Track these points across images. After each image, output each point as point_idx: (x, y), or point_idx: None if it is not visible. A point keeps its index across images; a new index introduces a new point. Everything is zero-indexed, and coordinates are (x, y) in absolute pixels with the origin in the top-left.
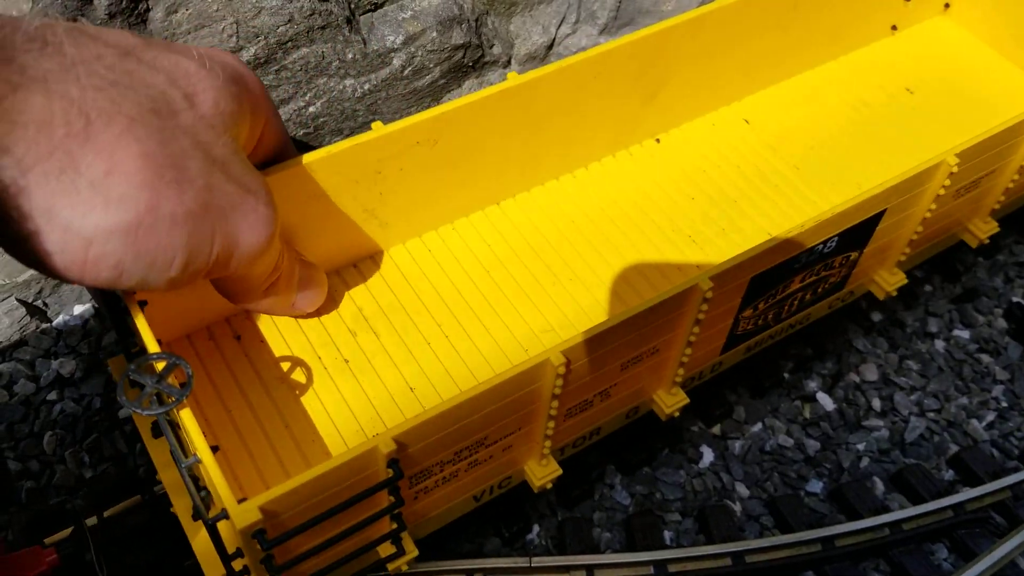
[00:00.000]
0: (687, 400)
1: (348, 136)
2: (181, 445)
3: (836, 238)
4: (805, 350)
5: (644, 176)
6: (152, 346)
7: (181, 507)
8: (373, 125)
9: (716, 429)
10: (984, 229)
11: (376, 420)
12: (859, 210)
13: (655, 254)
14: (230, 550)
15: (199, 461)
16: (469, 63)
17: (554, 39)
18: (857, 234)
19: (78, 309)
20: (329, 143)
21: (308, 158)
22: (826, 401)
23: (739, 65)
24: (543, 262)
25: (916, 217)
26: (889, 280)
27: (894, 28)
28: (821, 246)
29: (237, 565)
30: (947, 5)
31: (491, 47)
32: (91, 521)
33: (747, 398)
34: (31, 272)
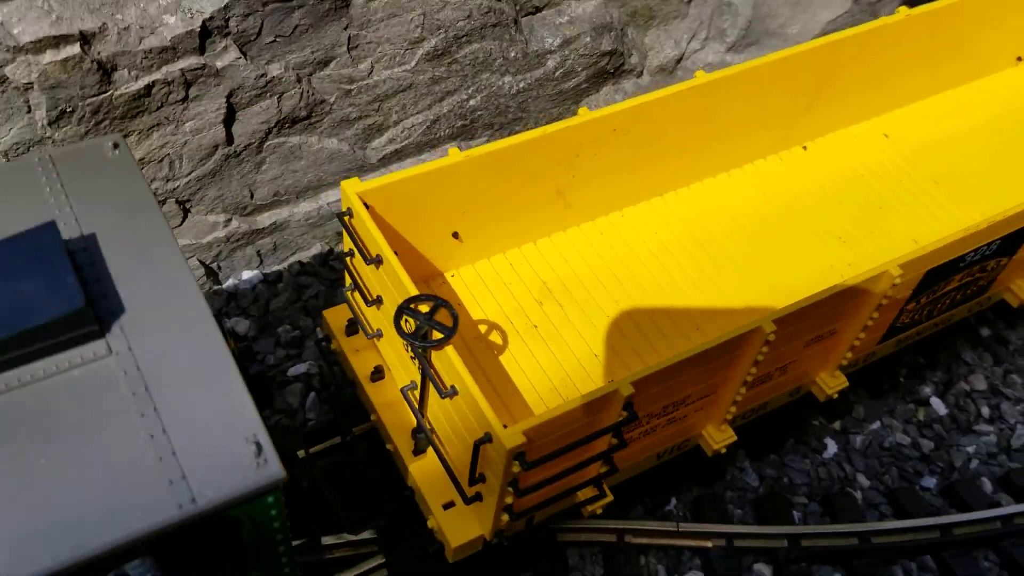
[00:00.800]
0: (847, 384)
1: (499, 131)
2: (437, 380)
3: (997, 242)
4: (918, 359)
5: (794, 180)
6: (412, 289)
7: (401, 442)
8: (580, 110)
9: (837, 425)
10: None
11: (567, 381)
12: (1016, 220)
13: (809, 251)
14: (475, 472)
15: (456, 393)
16: (611, 69)
17: (684, 53)
18: (1012, 242)
19: (247, 275)
20: (481, 138)
21: (522, 137)
22: (939, 406)
23: (881, 82)
24: (706, 252)
25: None
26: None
27: (1020, 59)
28: (985, 248)
29: (470, 492)
30: None
31: (630, 56)
32: (300, 453)
33: (866, 399)
34: (214, 235)
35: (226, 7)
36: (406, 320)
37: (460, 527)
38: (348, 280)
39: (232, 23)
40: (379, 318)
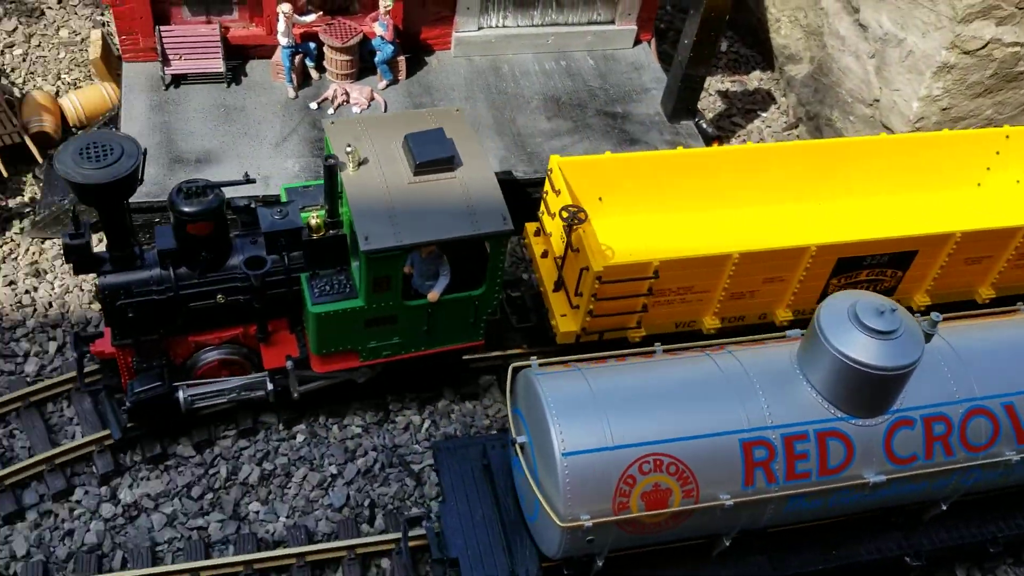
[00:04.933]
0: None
1: None
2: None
3: (886, 256)
4: None
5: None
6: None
7: (548, 284)
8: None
9: None
10: None
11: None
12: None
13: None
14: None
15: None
16: None
17: None
18: (900, 259)
19: None
20: None
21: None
22: None
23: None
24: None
25: None
26: None
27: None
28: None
29: (575, 301)
30: None
31: None
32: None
33: None
34: None
35: None
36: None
37: (566, 325)
38: (541, 207)
39: None
40: (550, 224)
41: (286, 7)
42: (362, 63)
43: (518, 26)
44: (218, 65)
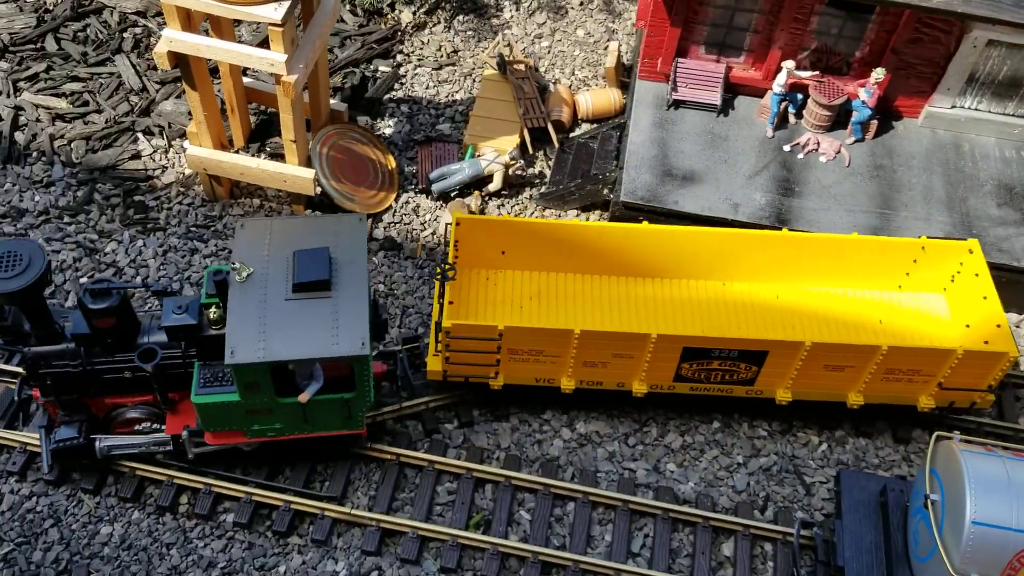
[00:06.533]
0: (643, 390)
1: None
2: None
3: (735, 352)
4: None
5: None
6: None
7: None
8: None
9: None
10: None
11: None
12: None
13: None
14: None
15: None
16: None
17: None
18: (752, 356)
19: None
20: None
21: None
22: None
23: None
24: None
25: None
26: None
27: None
28: (728, 351)
29: (439, 346)
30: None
31: None
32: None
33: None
34: None
35: None
36: (439, 269)
37: (433, 364)
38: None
39: None
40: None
41: (790, 63)
42: (836, 116)
43: (990, 112)
44: (716, 98)
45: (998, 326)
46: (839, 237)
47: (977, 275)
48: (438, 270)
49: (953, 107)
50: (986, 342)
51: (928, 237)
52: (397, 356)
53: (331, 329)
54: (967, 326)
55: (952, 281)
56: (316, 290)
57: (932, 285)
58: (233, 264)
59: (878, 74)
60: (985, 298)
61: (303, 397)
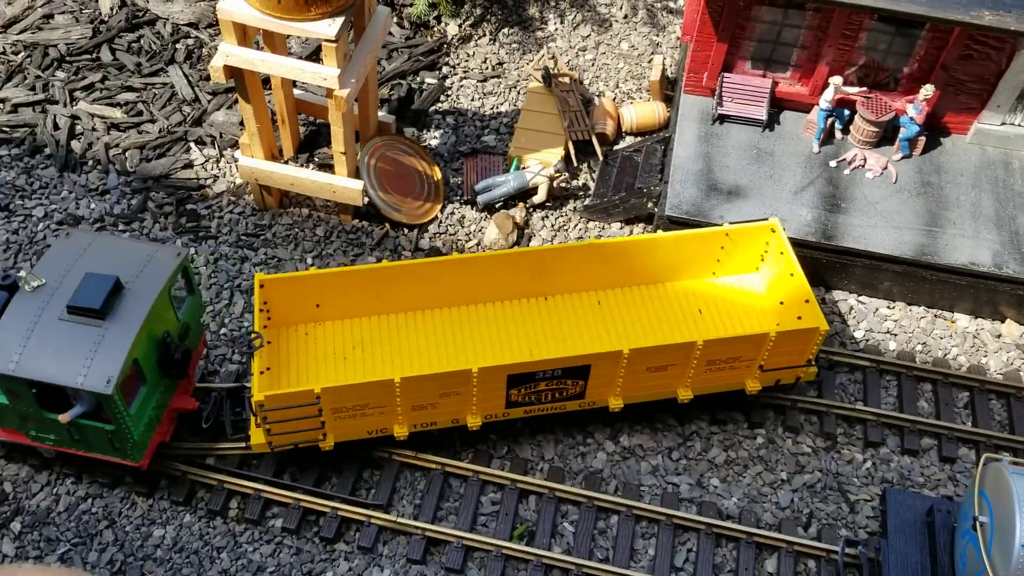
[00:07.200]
0: (478, 426)
1: None
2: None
3: (559, 371)
4: None
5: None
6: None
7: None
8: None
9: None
10: None
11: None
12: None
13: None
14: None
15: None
16: None
17: None
18: (575, 372)
19: None
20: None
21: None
22: None
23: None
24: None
25: None
26: None
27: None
28: (552, 372)
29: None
30: None
31: None
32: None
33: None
34: None
35: None
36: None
37: (257, 437)
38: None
39: None
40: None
41: (838, 79)
42: (883, 132)
43: None
44: (762, 113)
45: (807, 301)
46: (645, 238)
47: (782, 253)
48: (251, 335)
49: (1003, 124)
50: (799, 318)
51: (730, 224)
52: (212, 395)
53: (85, 360)
54: (781, 303)
55: (763, 260)
56: (88, 316)
57: (745, 266)
58: (30, 272)
59: (927, 90)
60: (792, 275)
61: (63, 417)
